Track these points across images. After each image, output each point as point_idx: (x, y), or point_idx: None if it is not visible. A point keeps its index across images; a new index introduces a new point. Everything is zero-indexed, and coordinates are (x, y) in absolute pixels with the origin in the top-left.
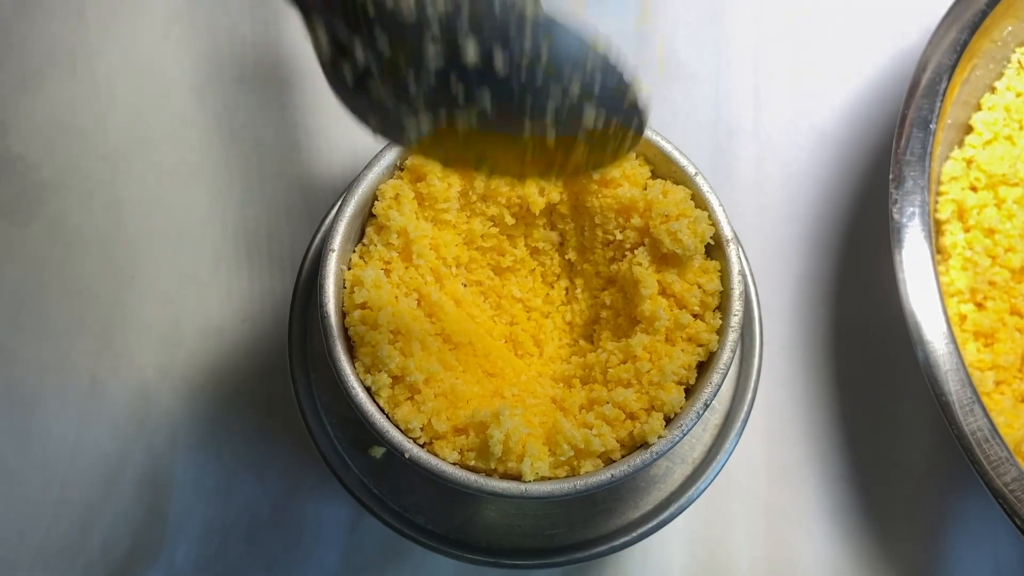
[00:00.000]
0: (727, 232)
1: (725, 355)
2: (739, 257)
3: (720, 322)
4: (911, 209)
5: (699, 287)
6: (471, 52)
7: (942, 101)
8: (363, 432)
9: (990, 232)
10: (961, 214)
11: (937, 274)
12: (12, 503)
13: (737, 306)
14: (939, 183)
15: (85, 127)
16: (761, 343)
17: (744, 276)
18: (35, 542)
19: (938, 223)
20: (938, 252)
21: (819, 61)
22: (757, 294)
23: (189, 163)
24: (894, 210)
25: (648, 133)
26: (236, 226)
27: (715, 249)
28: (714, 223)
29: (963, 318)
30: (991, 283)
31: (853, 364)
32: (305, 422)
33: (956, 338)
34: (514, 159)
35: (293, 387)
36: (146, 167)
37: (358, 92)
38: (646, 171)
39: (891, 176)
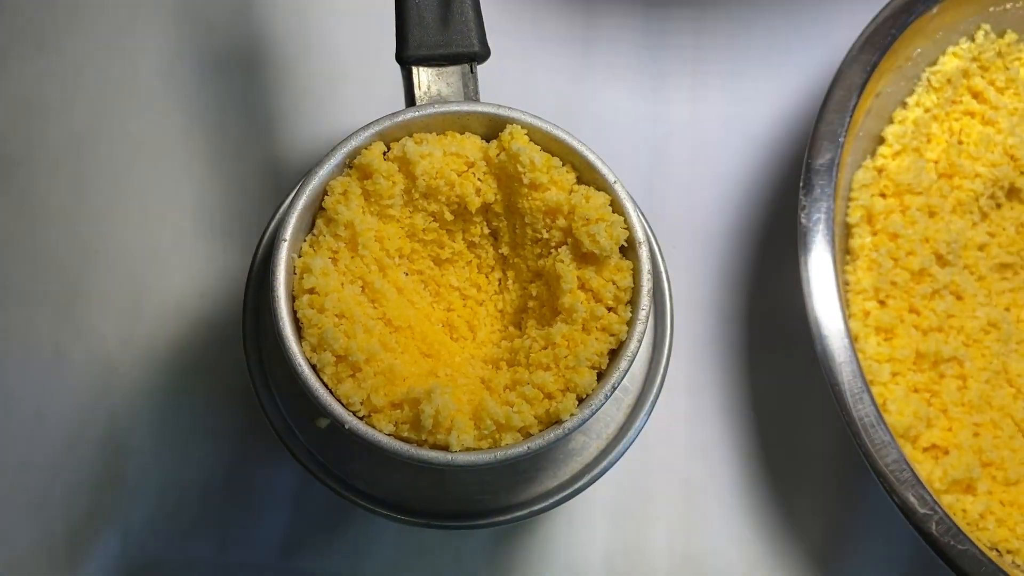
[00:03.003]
0: (639, 236)
1: (633, 344)
2: (650, 258)
3: (630, 315)
4: (817, 215)
5: (614, 283)
6: None
7: (851, 116)
8: (309, 405)
9: (894, 236)
10: (870, 219)
11: (838, 275)
12: None
13: (645, 301)
14: (851, 189)
15: (51, 103)
16: (672, 333)
17: (655, 274)
18: None
19: (848, 226)
20: (848, 253)
21: (754, 68)
22: (670, 289)
23: (152, 141)
24: (802, 215)
25: (575, 143)
26: (196, 204)
27: (629, 250)
28: (629, 227)
29: (867, 314)
30: (893, 283)
31: (765, 352)
32: (257, 395)
33: (859, 332)
34: None
35: (246, 362)
36: (110, 144)
37: None
38: (572, 177)
39: (801, 184)
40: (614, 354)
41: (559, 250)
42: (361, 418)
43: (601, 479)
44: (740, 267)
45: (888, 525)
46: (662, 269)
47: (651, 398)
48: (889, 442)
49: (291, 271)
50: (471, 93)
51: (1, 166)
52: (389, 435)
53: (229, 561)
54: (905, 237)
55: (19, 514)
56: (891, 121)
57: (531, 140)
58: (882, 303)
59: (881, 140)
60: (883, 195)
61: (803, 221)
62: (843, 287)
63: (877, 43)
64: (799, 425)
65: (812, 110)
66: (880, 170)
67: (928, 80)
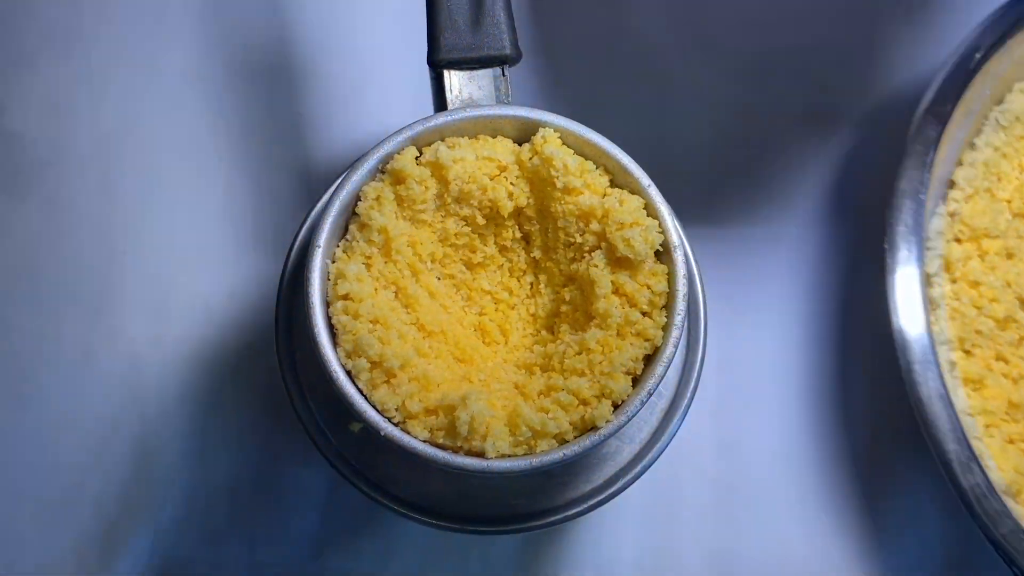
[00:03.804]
0: (675, 240)
1: (668, 350)
2: (685, 262)
3: (665, 320)
4: (907, 272)
5: (648, 288)
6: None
7: (930, 172)
8: (342, 408)
9: (975, 283)
10: (948, 266)
11: (932, 336)
12: (8, 466)
13: (680, 306)
14: (926, 238)
15: (79, 107)
16: (705, 336)
17: (690, 278)
18: (30, 502)
19: (927, 276)
20: (929, 303)
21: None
22: (704, 292)
23: (180, 143)
24: (890, 279)
25: (608, 145)
26: (225, 207)
27: (664, 254)
28: (663, 231)
29: (953, 365)
30: (978, 332)
31: (798, 353)
32: (290, 399)
33: (947, 385)
34: None
35: (279, 366)
36: (138, 147)
37: None
38: (606, 180)
39: (886, 245)
40: (649, 359)
41: (593, 254)
42: (396, 424)
43: None
44: (767, 270)
45: (939, 525)
46: (696, 272)
47: (685, 402)
48: (1003, 511)
49: (325, 277)
50: (503, 96)
51: (30, 169)
52: (425, 442)
53: (258, 561)
54: (986, 284)
55: (51, 515)
56: (960, 163)
57: (564, 143)
58: (968, 352)
59: (951, 184)
60: (958, 240)
61: (892, 282)
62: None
63: (949, 93)
64: (830, 425)
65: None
66: (953, 215)
67: (996, 119)
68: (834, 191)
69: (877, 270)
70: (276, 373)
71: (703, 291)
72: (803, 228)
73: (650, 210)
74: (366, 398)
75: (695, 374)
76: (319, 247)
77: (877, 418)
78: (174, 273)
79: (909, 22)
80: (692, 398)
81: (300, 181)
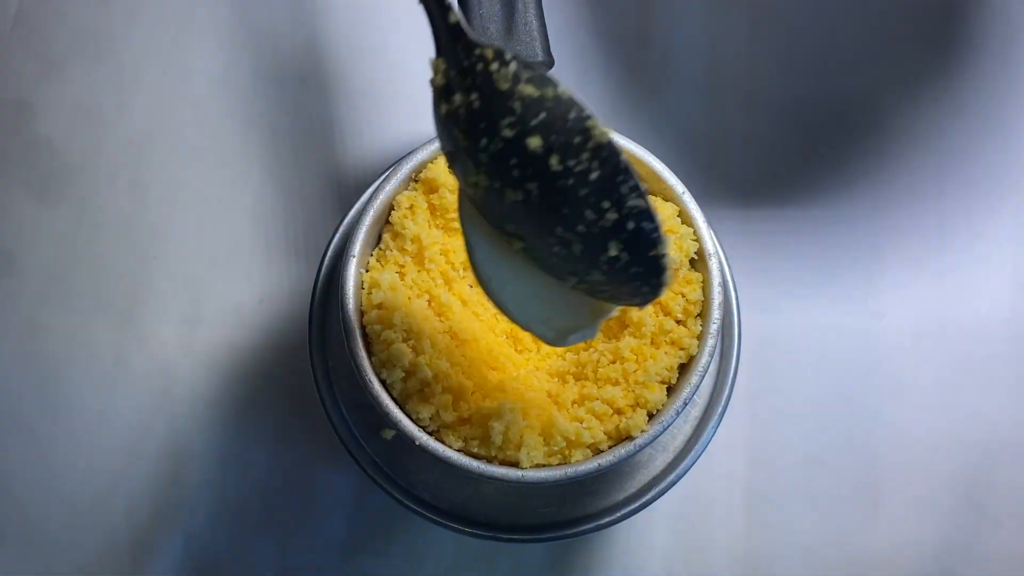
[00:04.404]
0: (709, 248)
1: (704, 359)
2: (720, 270)
3: (700, 328)
4: None
5: (683, 296)
6: (534, 144)
7: None
8: (375, 415)
9: None
10: None
11: None
12: (42, 470)
13: (716, 315)
14: None
15: (109, 112)
16: (739, 344)
17: (724, 286)
18: (63, 507)
19: None
20: None
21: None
22: (738, 299)
23: (209, 148)
24: None
25: (641, 152)
26: (254, 210)
27: (699, 262)
28: (698, 239)
29: None
30: None
31: (829, 360)
32: (323, 405)
33: None
34: (543, 249)
35: (312, 373)
36: (168, 151)
37: (444, 123)
38: None
39: None
40: (684, 368)
41: None
42: (431, 433)
43: None
44: (800, 274)
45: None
46: (730, 279)
47: (719, 411)
48: None
49: (359, 286)
50: None
51: (61, 174)
52: (459, 451)
53: (289, 564)
54: None
55: (84, 518)
56: None
57: None
58: None
59: None
60: None
61: None
62: None
63: None
64: (864, 433)
65: None
66: None
67: None
68: (872, 192)
69: (909, 278)
70: (306, 378)
71: (737, 298)
72: (842, 234)
73: (684, 217)
74: (400, 407)
75: (729, 382)
76: (353, 256)
77: (912, 426)
78: (205, 278)
79: None
80: (726, 406)
81: (330, 186)
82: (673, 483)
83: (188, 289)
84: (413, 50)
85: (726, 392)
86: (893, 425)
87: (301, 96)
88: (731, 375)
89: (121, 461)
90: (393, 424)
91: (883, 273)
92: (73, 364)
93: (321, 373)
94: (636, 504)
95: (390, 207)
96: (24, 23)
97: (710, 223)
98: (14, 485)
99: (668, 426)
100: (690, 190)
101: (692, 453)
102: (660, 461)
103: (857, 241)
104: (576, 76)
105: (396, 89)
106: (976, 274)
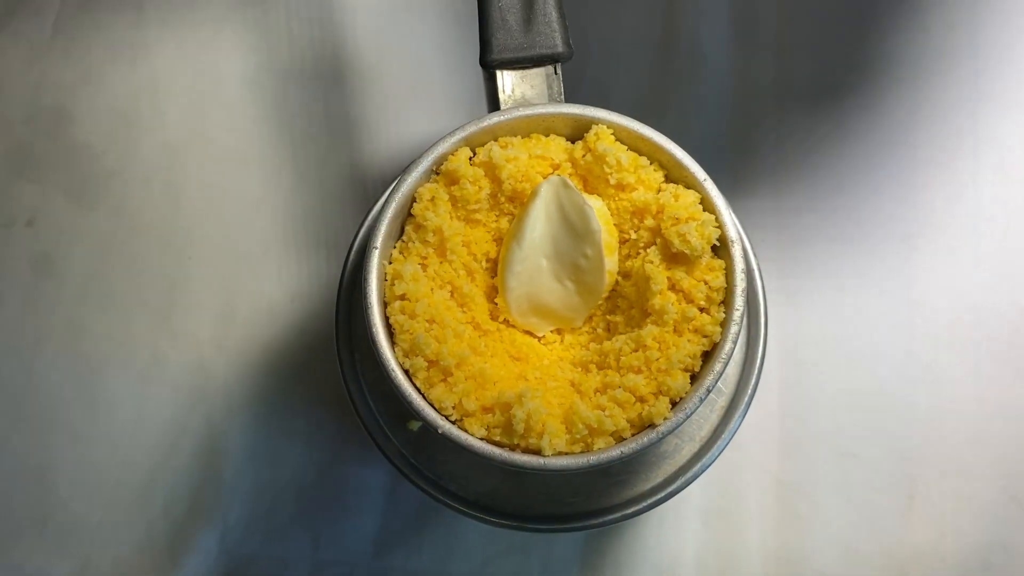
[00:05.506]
0: (732, 234)
1: (727, 346)
2: (743, 256)
3: (724, 315)
4: None
5: (705, 283)
6: None
7: None
8: (401, 407)
9: None
10: None
11: None
12: (82, 466)
13: (739, 302)
14: None
15: (144, 117)
16: (765, 331)
17: (749, 273)
18: (103, 501)
19: None
20: None
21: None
22: (764, 286)
23: (241, 151)
24: None
25: (662, 140)
26: (285, 211)
27: (721, 249)
28: (720, 226)
29: None
30: None
31: (861, 348)
32: (350, 398)
33: None
34: None
35: (339, 366)
36: (201, 154)
37: None
38: (660, 176)
39: None
40: (707, 356)
41: (647, 251)
42: (453, 422)
43: None
44: (831, 263)
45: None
46: (755, 267)
47: (746, 399)
48: None
49: (382, 278)
50: (555, 95)
51: (98, 178)
52: (482, 439)
53: (321, 558)
54: None
55: (123, 514)
56: None
57: (617, 139)
58: None
59: None
60: None
61: None
62: None
63: None
64: (897, 423)
65: None
66: None
67: None
68: (903, 180)
69: (943, 266)
70: (337, 375)
71: (763, 285)
72: (875, 223)
73: (706, 204)
74: (424, 396)
75: (756, 370)
76: (376, 248)
77: (948, 417)
78: (238, 277)
79: None
80: (753, 395)
81: (357, 184)
82: (699, 473)
83: (222, 288)
84: (434, 51)
85: (753, 380)
86: (928, 416)
87: (328, 98)
88: (758, 363)
89: (159, 457)
90: (416, 413)
91: (917, 262)
92: (112, 363)
93: (348, 366)
94: (663, 494)
95: (412, 199)
96: (62, 33)
97: (735, 212)
98: (56, 480)
99: (691, 413)
100: (719, 182)
101: (719, 443)
102: (687, 451)
103: (890, 230)
104: (602, 68)
105: (419, 89)
106: (1012, 261)
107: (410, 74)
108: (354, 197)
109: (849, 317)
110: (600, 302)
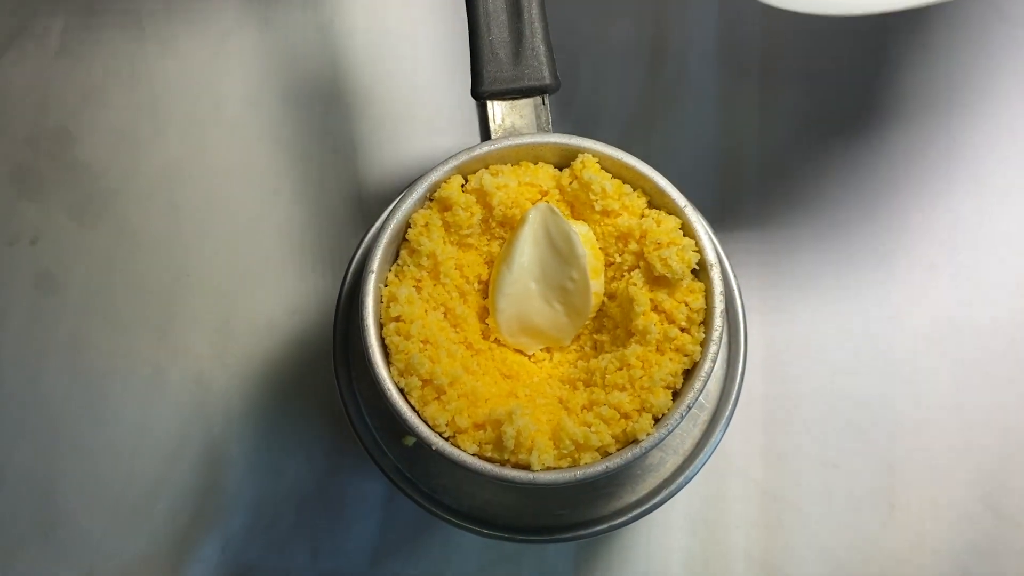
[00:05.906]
0: (711, 258)
1: (707, 364)
2: (722, 279)
3: (703, 335)
4: None
5: (686, 305)
6: None
7: None
8: (397, 424)
9: None
10: None
11: None
12: (86, 477)
13: (718, 323)
14: None
15: (144, 136)
16: (745, 349)
17: (728, 294)
18: (106, 512)
19: None
20: None
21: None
22: (743, 305)
23: (240, 170)
24: None
25: (645, 168)
26: (284, 228)
27: (701, 272)
28: (700, 250)
29: None
30: None
31: (844, 360)
32: (347, 415)
33: None
34: None
35: (336, 383)
36: (200, 173)
37: None
38: (643, 202)
39: None
40: (689, 374)
41: (631, 273)
42: (447, 439)
43: None
44: (814, 279)
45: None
46: (735, 287)
47: (727, 414)
48: None
49: (378, 300)
50: (544, 124)
51: (100, 197)
52: (474, 455)
53: (321, 568)
54: None
55: (126, 524)
56: None
57: (602, 167)
58: None
59: None
60: None
61: None
62: None
63: None
64: (878, 433)
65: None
66: None
67: None
68: (877, 195)
69: (922, 281)
70: (334, 389)
71: (743, 304)
72: (855, 238)
73: (687, 230)
74: (418, 414)
75: (736, 386)
76: (372, 272)
77: (927, 428)
78: (237, 293)
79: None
80: (734, 410)
81: (354, 202)
82: (683, 484)
83: (221, 304)
84: (430, 74)
85: (734, 395)
86: (909, 427)
87: (327, 118)
88: (738, 379)
89: (160, 470)
90: (411, 430)
91: (897, 276)
92: (114, 377)
93: (345, 383)
94: (648, 505)
95: (407, 225)
96: (65, 54)
97: (720, 229)
98: (60, 491)
99: (673, 429)
100: (704, 202)
101: (702, 455)
102: (671, 464)
103: (870, 245)
104: (589, 94)
105: (415, 111)
106: (990, 275)
107: (406, 97)
108: (351, 215)
109: (831, 330)
110: (587, 322)
